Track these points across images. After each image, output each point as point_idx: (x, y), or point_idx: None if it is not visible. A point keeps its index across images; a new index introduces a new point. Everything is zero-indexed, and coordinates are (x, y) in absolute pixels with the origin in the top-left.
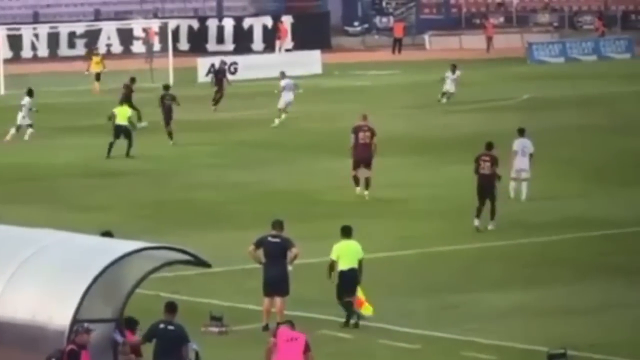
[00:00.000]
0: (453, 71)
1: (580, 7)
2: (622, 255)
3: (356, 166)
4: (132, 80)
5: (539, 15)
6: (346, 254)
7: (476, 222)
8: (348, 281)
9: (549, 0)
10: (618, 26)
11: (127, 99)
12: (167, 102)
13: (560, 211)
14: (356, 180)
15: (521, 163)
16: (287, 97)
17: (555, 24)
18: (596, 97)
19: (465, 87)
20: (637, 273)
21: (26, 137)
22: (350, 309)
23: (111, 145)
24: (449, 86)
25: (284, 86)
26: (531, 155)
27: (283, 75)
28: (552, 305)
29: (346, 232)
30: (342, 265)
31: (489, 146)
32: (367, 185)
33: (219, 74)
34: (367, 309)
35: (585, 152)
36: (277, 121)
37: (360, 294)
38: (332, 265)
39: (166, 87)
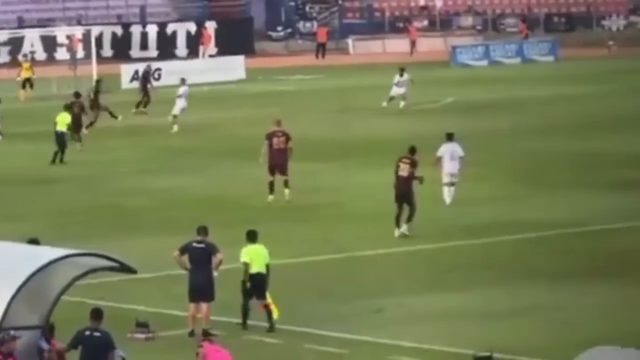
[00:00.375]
0: (401, 74)
1: (503, 10)
2: (544, 258)
3: (272, 172)
4: (98, 82)
5: (462, 19)
6: (256, 257)
7: (396, 233)
8: (258, 285)
9: (472, 3)
10: (541, 28)
11: (95, 102)
12: (75, 110)
13: (485, 215)
14: (271, 188)
15: (452, 167)
16: (181, 104)
17: (479, 27)
18: (520, 100)
19: (389, 91)
20: (559, 275)
21: None
22: (270, 313)
23: (56, 153)
24: (397, 89)
25: (182, 94)
26: (461, 159)
27: (183, 82)
28: (477, 308)
29: (252, 237)
30: (252, 269)
31: (412, 150)
32: (286, 184)
33: (144, 79)
34: (273, 312)
35: (509, 155)
36: (175, 127)
37: (267, 297)
38: (247, 268)
39: (77, 95)
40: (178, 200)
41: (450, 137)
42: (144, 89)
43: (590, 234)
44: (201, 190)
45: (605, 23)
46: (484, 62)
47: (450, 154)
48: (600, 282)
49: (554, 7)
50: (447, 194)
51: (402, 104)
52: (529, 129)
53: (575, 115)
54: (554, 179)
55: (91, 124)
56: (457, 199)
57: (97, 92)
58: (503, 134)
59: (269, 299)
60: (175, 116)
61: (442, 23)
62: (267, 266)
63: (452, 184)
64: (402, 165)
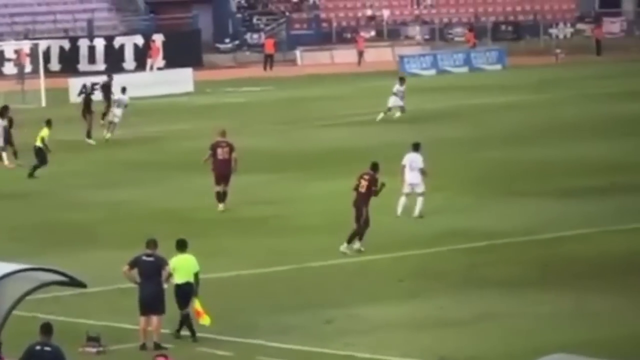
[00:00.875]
0: (401, 83)
1: (450, 19)
2: (495, 266)
3: (218, 182)
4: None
5: (409, 28)
6: (182, 267)
7: (342, 247)
8: (183, 294)
9: (419, 13)
10: (489, 37)
11: (88, 109)
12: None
13: (436, 224)
14: (218, 197)
15: (412, 178)
16: (117, 112)
17: (426, 37)
18: (468, 109)
19: (337, 101)
20: (512, 284)
21: None
22: (189, 322)
23: (39, 166)
24: (395, 100)
25: (119, 100)
26: (422, 171)
27: (123, 90)
28: (428, 318)
29: (181, 246)
30: (178, 279)
31: (373, 166)
32: (225, 195)
33: (106, 90)
34: (205, 320)
35: (459, 164)
36: (109, 135)
37: (197, 305)
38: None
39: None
40: (128, 213)
41: (414, 147)
42: (107, 100)
43: (542, 242)
44: (151, 203)
45: (552, 31)
46: (432, 72)
47: (410, 164)
48: (552, 290)
49: (501, 15)
50: (402, 205)
51: (397, 114)
52: (477, 138)
53: (523, 124)
54: (505, 188)
55: (88, 132)
56: (409, 208)
57: (88, 98)
58: (452, 143)
59: (198, 307)
60: (111, 122)
61: (390, 33)
62: (196, 275)
63: (418, 195)
64: (361, 182)
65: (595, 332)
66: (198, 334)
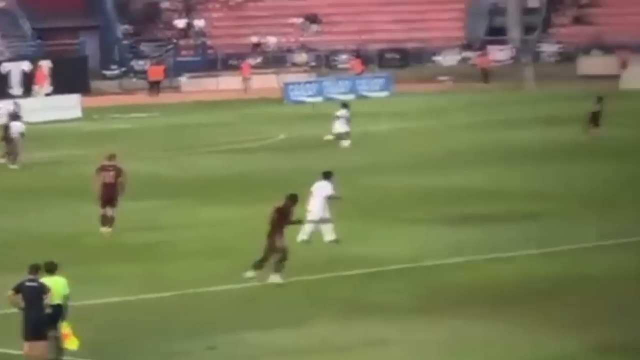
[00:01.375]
0: (346, 108)
1: (337, 46)
2: (382, 293)
3: (103, 205)
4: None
5: (295, 55)
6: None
7: (248, 274)
8: (51, 317)
9: (305, 40)
10: (375, 64)
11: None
12: None
13: (326, 250)
14: (103, 220)
15: (315, 205)
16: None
17: (313, 64)
18: (355, 136)
19: (223, 128)
20: (396, 311)
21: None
22: (59, 345)
23: None
24: (340, 125)
25: (13, 126)
26: (329, 197)
27: (17, 118)
28: (314, 344)
29: (49, 268)
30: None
31: (292, 197)
32: (111, 223)
33: (14, 116)
34: (72, 343)
35: (348, 191)
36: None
37: (65, 328)
38: None
39: None
40: (13, 239)
41: (325, 175)
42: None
43: (428, 269)
44: (37, 228)
45: (437, 59)
46: (318, 99)
47: (316, 192)
48: (436, 317)
49: (387, 43)
50: (304, 232)
51: (347, 142)
52: (365, 165)
53: (410, 151)
54: (393, 214)
55: (14, 157)
56: (312, 234)
57: (7, 125)
58: (340, 170)
59: (66, 330)
60: (18, 154)
61: (276, 60)
62: (66, 297)
63: (324, 221)
64: (275, 210)
65: (480, 359)
66: None
